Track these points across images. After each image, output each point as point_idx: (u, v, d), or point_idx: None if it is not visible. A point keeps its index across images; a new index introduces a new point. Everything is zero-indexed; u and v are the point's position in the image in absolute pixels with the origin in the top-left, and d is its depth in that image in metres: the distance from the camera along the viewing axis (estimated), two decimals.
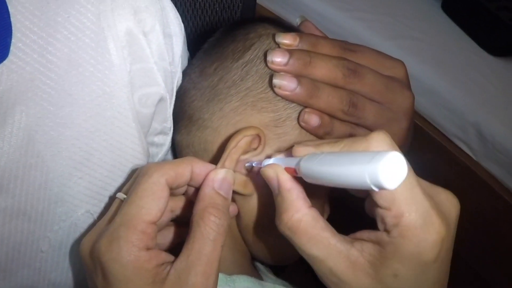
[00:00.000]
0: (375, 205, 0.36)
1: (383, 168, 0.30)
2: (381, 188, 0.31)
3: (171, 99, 0.51)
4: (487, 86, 1.22)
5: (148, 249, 0.38)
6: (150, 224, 0.39)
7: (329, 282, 0.38)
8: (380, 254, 0.36)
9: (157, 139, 0.53)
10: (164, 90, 0.48)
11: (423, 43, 1.31)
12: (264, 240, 0.52)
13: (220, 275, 0.47)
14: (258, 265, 0.60)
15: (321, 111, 0.47)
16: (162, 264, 0.39)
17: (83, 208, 0.47)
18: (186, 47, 0.55)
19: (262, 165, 0.44)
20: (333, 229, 0.38)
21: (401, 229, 0.35)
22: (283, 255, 0.55)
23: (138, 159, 0.48)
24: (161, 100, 0.49)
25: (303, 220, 0.38)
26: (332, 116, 0.48)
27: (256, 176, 0.48)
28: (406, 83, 0.53)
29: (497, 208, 1.15)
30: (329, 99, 0.47)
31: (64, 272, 0.50)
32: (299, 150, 0.40)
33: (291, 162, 0.40)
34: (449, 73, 1.23)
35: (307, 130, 0.48)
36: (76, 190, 0.46)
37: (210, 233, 0.39)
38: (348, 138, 0.38)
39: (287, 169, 0.41)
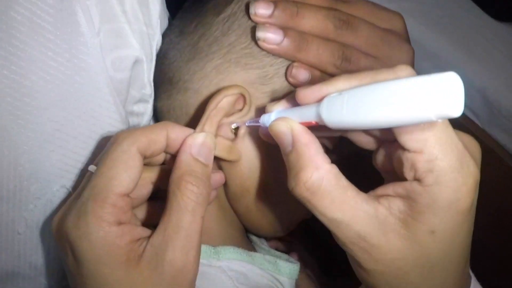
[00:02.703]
0: (400, 149, 0.32)
1: (448, 92, 0.26)
2: (445, 117, 0.26)
3: (149, 64, 0.47)
4: (492, 51, 1.18)
5: (120, 223, 0.35)
6: (122, 196, 0.36)
7: (356, 249, 0.33)
8: (412, 209, 0.32)
9: (137, 107, 0.49)
10: (139, 52, 0.45)
11: (426, 6, 1.27)
12: (254, 209, 0.49)
13: (204, 247, 0.45)
14: (253, 237, 0.57)
15: (311, 66, 0.44)
16: (138, 240, 0.36)
17: (58, 183, 0.44)
18: (165, 7, 0.51)
19: (260, 123, 0.39)
20: (355, 187, 0.34)
21: (437, 175, 0.30)
22: (274, 225, 0.52)
23: (115, 128, 0.45)
24: (136, 63, 0.45)
25: (325, 178, 0.33)
26: (323, 71, 0.45)
27: (243, 139, 0.45)
28: (404, 36, 0.50)
29: (504, 176, 1.12)
30: (319, 52, 0.43)
31: (44, 254, 0.47)
32: (306, 94, 0.34)
33: (303, 112, 0.35)
34: (453, 38, 1.19)
35: (296, 87, 0.44)
36: (48, 165, 0.43)
37: (188, 203, 0.36)
38: (365, 71, 0.33)
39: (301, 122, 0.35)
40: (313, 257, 0.70)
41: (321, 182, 0.33)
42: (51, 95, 0.41)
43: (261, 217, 0.50)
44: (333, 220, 0.33)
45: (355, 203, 0.33)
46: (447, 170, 0.30)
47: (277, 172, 0.45)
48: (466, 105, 0.99)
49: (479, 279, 0.41)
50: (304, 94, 0.35)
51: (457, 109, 0.26)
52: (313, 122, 0.34)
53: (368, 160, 0.38)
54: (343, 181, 0.33)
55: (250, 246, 0.54)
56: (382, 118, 0.29)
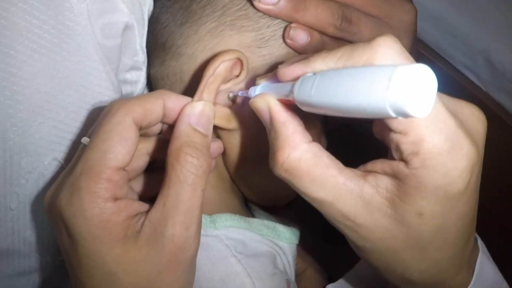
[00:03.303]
0: (386, 128, 0.30)
1: (408, 92, 0.23)
2: (406, 116, 0.24)
3: (140, 30, 0.45)
4: (495, 12, 1.16)
5: (116, 199, 0.34)
6: (117, 170, 0.34)
7: (342, 226, 0.33)
8: (399, 189, 0.30)
9: (130, 75, 0.47)
10: (129, 17, 0.43)
11: None
12: (252, 177, 0.48)
13: None
14: (252, 205, 0.56)
15: (309, 27, 0.42)
16: (135, 215, 0.35)
17: (49, 156, 0.43)
18: None
19: (248, 94, 0.38)
20: (340, 164, 0.32)
21: (423, 158, 0.28)
22: (274, 193, 0.51)
23: (107, 97, 0.43)
24: (126, 28, 0.43)
25: (302, 158, 0.32)
26: (322, 32, 0.43)
27: (241, 107, 0.43)
28: None
29: (508, 141, 1.11)
30: (318, 12, 0.42)
31: (38, 229, 0.46)
32: (285, 72, 0.33)
33: (283, 89, 0.34)
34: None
35: (295, 49, 0.43)
36: (38, 137, 0.41)
37: (187, 176, 0.34)
38: (344, 46, 0.31)
39: (280, 100, 0.34)
40: (313, 225, 0.70)
41: (298, 162, 0.32)
42: (38, 65, 0.39)
43: (261, 185, 0.49)
44: (316, 199, 0.32)
45: (336, 182, 0.31)
46: (434, 153, 0.28)
47: None
48: (468, 68, 0.97)
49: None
50: (284, 71, 0.33)
51: (422, 110, 0.24)
52: (291, 100, 0.33)
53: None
54: (324, 159, 0.32)
55: (248, 214, 0.53)
56: (343, 107, 0.27)
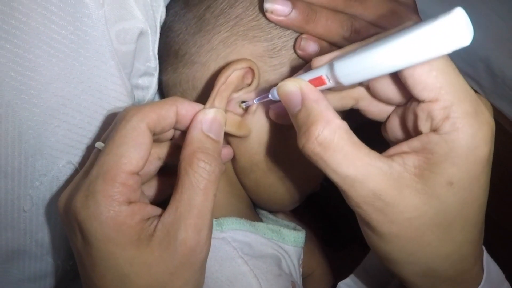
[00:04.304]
0: (415, 102, 0.32)
1: (456, 20, 0.26)
2: (455, 46, 0.27)
3: (153, 36, 0.46)
4: (496, 19, 1.16)
5: (130, 202, 0.35)
6: (131, 174, 0.35)
7: (371, 210, 0.33)
8: (428, 161, 0.31)
9: (142, 81, 0.48)
10: (144, 24, 0.43)
11: None
12: (262, 183, 0.49)
13: None
14: (261, 210, 0.57)
15: (319, 38, 0.43)
16: (148, 219, 0.35)
17: (64, 159, 0.43)
18: None
19: (269, 96, 0.39)
20: (366, 146, 0.33)
21: (453, 121, 0.30)
22: (282, 199, 0.52)
23: (122, 102, 0.44)
24: (141, 34, 0.44)
25: (337, 132, 0.32)
26: (331, 43, 0.44)
27: (253, 114, 0.44)
28: (413, 7, 0.49)
29: (509, 148, 1.11)
30: (328, 24, 0.42)
31: (51, 231, 0.47)
32: (321, 58, 0.35)
33: (315, 73, 0.35)
34: (456, 5, 1.17)
35: (305, 59, 0.44)
36: (54, 140, 0.42)
37: (200, 181, 0.35)
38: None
39: (311, 82, 0.35)
40: (316, 229, 0.71)
41: (333, 136, 0.32)
42: (55, 69, 0.40)
43: (269, 191, 0.50)
44: (346, 178, 0.32)
45: (369, 159, 0.32)
46: (463, 115, 0.30)
47: (285, 146, 0.45)
48: (469, 75, 0.98)
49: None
50: (319, 58, 0.35)
51: (469, 37, 0.27)
52: (323, 76, 0.34)
53: (376, 132, 0.38)
54: (355, 138, 0.33)
55: (256, 218, 0.54)
56: (395, 60, 0.29)
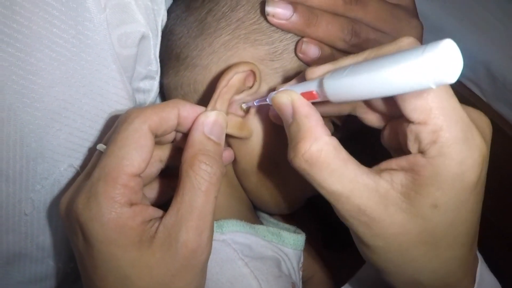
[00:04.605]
0: (405, 122, 0.31)
1: (442, 56, 0.25)
2: (440, 83, 0.26)
3: (155, 39, 0.46)
4: (497, 24, 1.16)
5: (131, 204, 0.35)
6: (133, 176, 0.35)
7: (357, 223, 0.33)
8: (415, 182, 0.31)
9: (143, 84, 0.48)
10: (145, 28, 0.44)
11: None
12: (263, 186, 0.49)
13: None
14: (261, 213, 0.57)
15: (320, 41, 0.43)
16: (150, 220, 0.36)
17: (65, 162, 0.43)
18: None
19: (267, 100, 0.39)
20: (356, 161, 0.33)
21: (441, 146, 0.30)
22: (282, 202, 0.52)
23: (123, 105, 0.44)
24: (142, 38, 0.44)
25: (324, 149, 0.32)
26: (332, 46, 0.44)
27: (254, 116, 0.44)
28: (413, 11, 0.49)
29: (509, 151, 1.11)
30: (328, 28, 0.43)
31: (52, 234, 0.47)
32: (315, 71, 0.35)
33: (307, 86, 0.35)
34: (457, 11, 1.17)
35: (306, 62, 0.44)
36: (55, 144, 0.42)
37: (201, 183, 0.35)
38: (369, 49, 0.33)
39: (303, 95, 0.35)
40: (315, 232, 0.71)
41: (320, 153, 0.32)
42: (57, 73, 0.40)
43: (270, 193, 0.50)
44: (332, 193, 0.33)
45: (355, 175, 0.32)
46: (451, 141, 0.30)
47: (286, 148, 0.45)
48: (470, 79, 0.99)
49: (481, 253, 0.41)
50: (313, 70, 0.35)
51: (453, 75, 0.26)
52: (314, 91, 0.34)
53: (375, 138, 0.38)
54: (343, 154, 0.33)
55: (257, 221, 0.54)
56: (380, 86, 0.29)
